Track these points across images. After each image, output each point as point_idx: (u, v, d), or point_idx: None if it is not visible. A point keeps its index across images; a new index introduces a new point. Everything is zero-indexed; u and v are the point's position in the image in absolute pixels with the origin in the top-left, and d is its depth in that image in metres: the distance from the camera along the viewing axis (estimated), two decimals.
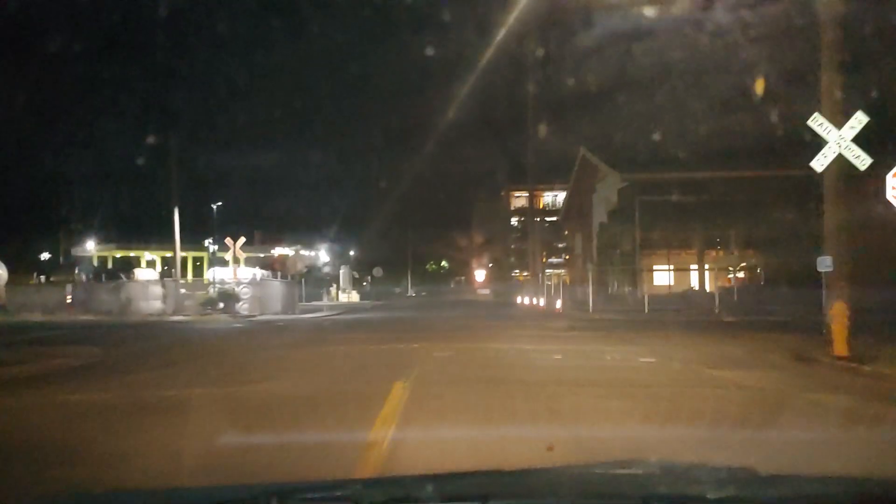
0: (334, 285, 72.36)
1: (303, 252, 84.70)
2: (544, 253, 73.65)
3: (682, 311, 31.43)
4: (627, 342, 17.50)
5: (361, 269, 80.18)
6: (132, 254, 63.13)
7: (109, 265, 60.77)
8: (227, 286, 36.20)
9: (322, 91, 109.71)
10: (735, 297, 32.84)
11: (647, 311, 32.12)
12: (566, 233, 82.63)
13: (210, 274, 39.05)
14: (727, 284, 38.94)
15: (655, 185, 36.96)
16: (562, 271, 75.91)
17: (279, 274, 43.31)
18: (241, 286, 38.01)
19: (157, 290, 38.03)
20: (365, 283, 74.72)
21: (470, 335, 20.02)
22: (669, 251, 38.54)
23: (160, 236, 56.49)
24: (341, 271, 72.23)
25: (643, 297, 35.32)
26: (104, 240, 60.46)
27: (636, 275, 37.79)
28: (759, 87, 36.78)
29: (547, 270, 71.30)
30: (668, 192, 36.99)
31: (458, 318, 32.55)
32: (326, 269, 77.75)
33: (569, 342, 17.51)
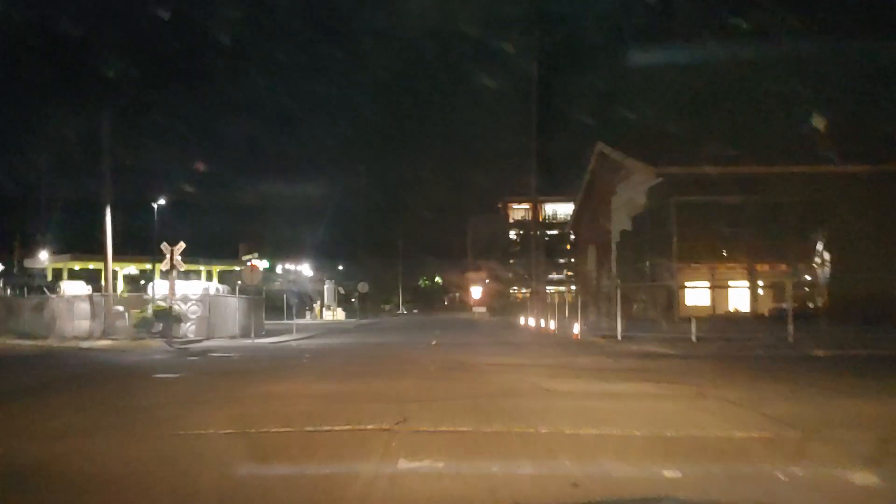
0: (318, 302, 64.57)
1: (288, 267, 77.03)
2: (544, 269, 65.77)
3: (743, 342, 23.52)
4: (753, 408, 9.49)
5: (350, 284, 72.17)
6: (91, 265, 54.85)
7: (65, 278, 52.62)
8: (166, 304, 28.12)
9: (314, 103, 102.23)
10: (824, 323, 24.86)
11: (694, 339, 24.24)
12: (567, 246, 74.84)
13: (151, 289, 30.88)
14: (780, 305, 31.16)
15: (696, 183, 29.05)
16: (563, 289, 68.05)
17: (238, 288, 35.35)
18: (189, 303, 30.01)
19: (86, 307, 30.04)
20: (353, 300, 66.65)
21: (471, 388, 11.91)
22: (713, 264, 30.53)
23: (131, 247, 48.75)
24: (325, 287, 64.37)
25: (686, 321, 27.50)
26: (59, 250, 52.30)
27: (672, 293, 29.83)
28: (820, 123, 29.38)
29: (546, 288, 63.54)
30: (712, 191, 29.12)
31: (453, 347, 24.47)
32: (311, 285, 69.91)
33: (650, 409, 9.49)
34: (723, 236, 29.53)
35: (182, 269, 28.03)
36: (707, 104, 33.80)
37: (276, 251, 74.84)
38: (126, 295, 35.79)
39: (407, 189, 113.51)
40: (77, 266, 55.23)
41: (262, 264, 68.57)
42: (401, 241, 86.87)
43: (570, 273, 74.86)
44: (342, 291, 66.50)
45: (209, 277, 55.73)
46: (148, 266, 54.43)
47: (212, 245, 56.54)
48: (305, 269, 72.06)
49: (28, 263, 55.59)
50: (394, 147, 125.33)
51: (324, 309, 62.84)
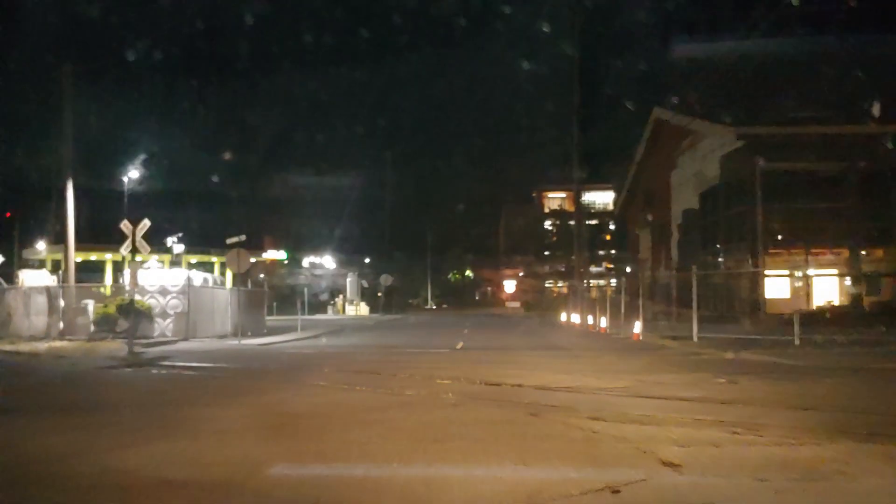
0: (340, 296, 59.04)
1: (313, 259, 71.40)
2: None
3: (861, 345, 17.38)
4: None
5: (376, 277, 66.51)
6: (93, 256, 49.71)
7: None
8: (135, 297, 22.43)
9: (342, 91, 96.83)
10: None
11: (797, 342, 18.12)
12: (608, 237, 68.40)
13: (131, 278, 25.30)
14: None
15: (785, 147, 22.88)
16: (602, 282, 61.65)
17: (226, 276, 29.85)
18: (168, 297, 24.43)
19: (44, 301, 24.58)
20: (379, 294, 60.91)
21: (519, 466, 6.01)
22: (808, 248, 24.20)
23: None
24: (348, 280, 58.77)
25: (774, 317, 21.43)
26: (57, 240, 47.16)
27: (757, 283, 23.59)
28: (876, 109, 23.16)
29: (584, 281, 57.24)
30: (805, 157, 22.93)
31: (485, 353, 18.56)
32: (334, 278, 64.44)
33: None
34: (820, 213, 23.33)
35: (146, 254, 22.35)
36: (784, 62, 27.45)
37: (301, 243, 69.39)
38: (102, 287, 30.23)
39: (437, 178, 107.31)
40: (79, 257, 50.11)
41: (281, 255, 63.24)
42: (430, 233, 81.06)
43: (609, 266, 68.56)
44: (365, 285, 60.76)
45: (223, 270, 50.42)
46: (153, 256, 49.36)
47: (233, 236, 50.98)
48: (329, 261, 66.47)
49: (27, 254, 50.73)
50: (424, 134, 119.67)
51: (346, 304, 57.28)
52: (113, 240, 44.68)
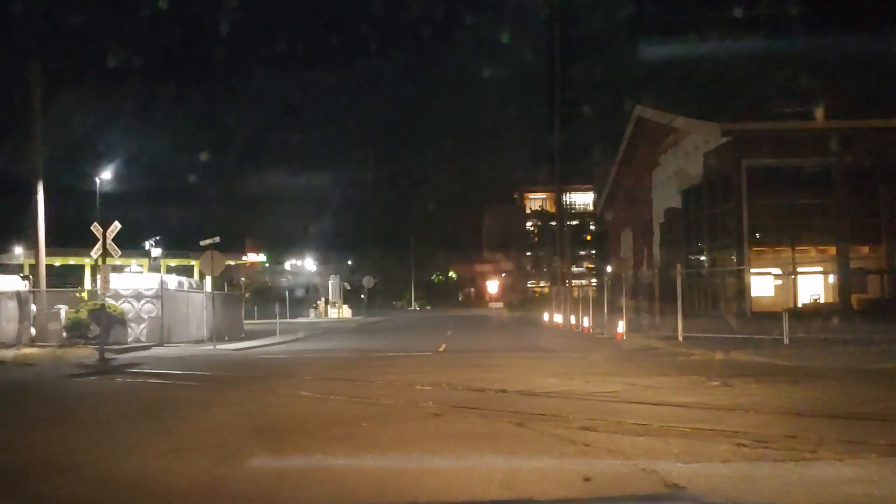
0: (322, 299, 58.15)
1: (296, 262, 70.50)
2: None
3: (854, 344, 16.74)
4: None
5: (358, 279, 65.66)
6: (72, 261, 48.72)
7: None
8: (107, 301, 21.46)
9: (318, 91, 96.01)
10: None
11: (786, 340, 17.46)
12: (588, 237, 67.79)
13: (102, 282, 24.35)
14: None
15: (770, 143, 22.27)
16: (583, 282, 61.07)
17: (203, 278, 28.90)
18: (143, 301, 23.55)
19: (14, 307, 23.56)
20: (362, 296, 59.99)
21: None
22: (793, 245, 23.57)
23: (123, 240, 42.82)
24: (330, 282, 57.88)
25: (761, 316, 20.76)
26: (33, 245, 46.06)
27: (743, 281, 22.94)
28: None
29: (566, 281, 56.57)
30: (790, 153, 22.32)
31: (469, 354, 17.78)
32: (316, 280, 63.58)
33: None
34: (806, 210, 22.73)
35: (117, 257, 21.39)
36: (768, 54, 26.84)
37: (282, 246, 68.51)
38: (78, 292, 29.18)
39: (418, 180, 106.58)
40: (58, 262, 48.97)
41: (260, 259, 62.33)
42: (412, 235, 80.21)
43: (590, 266, 68.05)
44: (348, 287, 59.84)
45: (202, 275, 49.55)
46: (132, 260, 48.35)
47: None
48: (310, 263, 65.56)
49: (4, 259, 49.56)
50: (403, 136, 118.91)
51: (328, 306, 56.39)
52: (92, 243, 43.71)
